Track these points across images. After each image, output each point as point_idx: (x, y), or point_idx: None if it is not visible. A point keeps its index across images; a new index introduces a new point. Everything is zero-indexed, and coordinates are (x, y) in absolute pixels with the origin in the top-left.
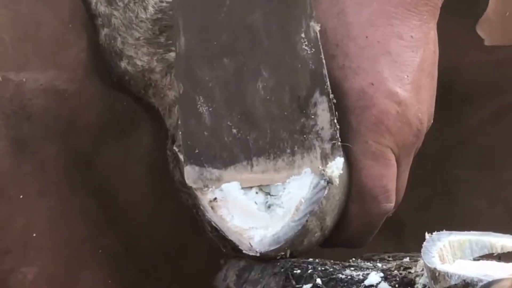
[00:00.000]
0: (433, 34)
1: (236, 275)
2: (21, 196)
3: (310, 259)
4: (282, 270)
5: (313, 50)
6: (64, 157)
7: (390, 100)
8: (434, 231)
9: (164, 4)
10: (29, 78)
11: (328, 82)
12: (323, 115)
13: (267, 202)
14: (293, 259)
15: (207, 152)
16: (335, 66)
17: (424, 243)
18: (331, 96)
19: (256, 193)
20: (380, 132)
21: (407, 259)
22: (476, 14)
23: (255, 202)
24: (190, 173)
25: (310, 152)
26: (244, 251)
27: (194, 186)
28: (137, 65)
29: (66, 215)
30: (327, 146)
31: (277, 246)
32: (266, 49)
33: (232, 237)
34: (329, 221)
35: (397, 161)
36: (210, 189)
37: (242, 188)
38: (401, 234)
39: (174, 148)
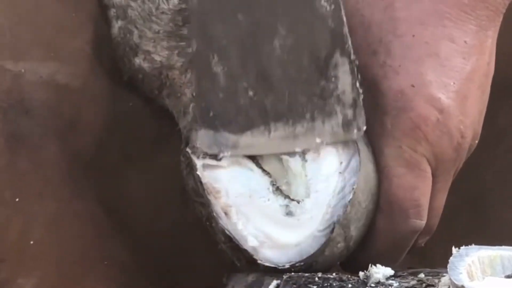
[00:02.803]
0: (490, 43)
1: None
2: (17, 199)
3: (326, 274)
4: (294, 286)
5: (333, 6)
6: (65, 158)
7: (430, 105)
8: (462, 245)
9: None
10: (28, 69)
11: (350, 42)
12: (344, 78)
13: (288, 207)
14: (307, 274)
15: (222, 116)
16: (375, 63)
17: (451, 258)
18: (353, 57)
19: (276, 196)
20: (416, 138)
21: (422, 275)
22: None
23: (275, 207)
24: (204, 138)
25: (331, 118)
26: (259, 261)
27: (209, 151)
28: (155, 60)
29: (67, 221)
30: (349, 111)
31: (300, 259)
32: (283, 5)
33: (247, 247)
34: (353, 230)
35: (433, 175)
36: (226, 155)
37: (259, 193)
38: (426, 247)
39: (187, 150)
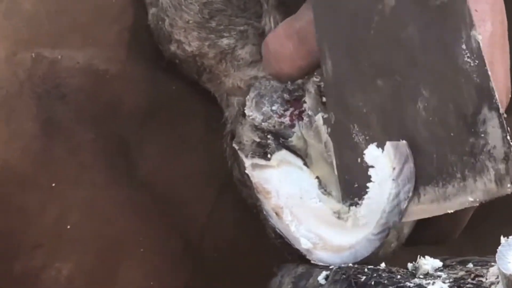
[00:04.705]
0: (499, 3)
1: (292, 282)
2: (53, 184)
3: (375, 266)
4: (344, 276)
5: (477, 62)
6: (102, 143)
7: None
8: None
9: None
10: (65, 55)
11: (497, 96)
12: (494, 133)
13: (342, 210)
14: (356, 265)
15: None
16: None
17: (500, 247)
18: (501, 111)
19: (327, 197)
20: None
21: (471, 265)
22: None
23: (327, 209)
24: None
25: (483, 174)
26: (312, 262)
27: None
28: (187, 50)
29: (102, 206)
30: (501, 166)
31: (353, 261)
32: (424, 66)
33: (299, 248)
34: (405, 228)
35: None
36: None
37: (311, 194)
38: None
39: (234, 145)
